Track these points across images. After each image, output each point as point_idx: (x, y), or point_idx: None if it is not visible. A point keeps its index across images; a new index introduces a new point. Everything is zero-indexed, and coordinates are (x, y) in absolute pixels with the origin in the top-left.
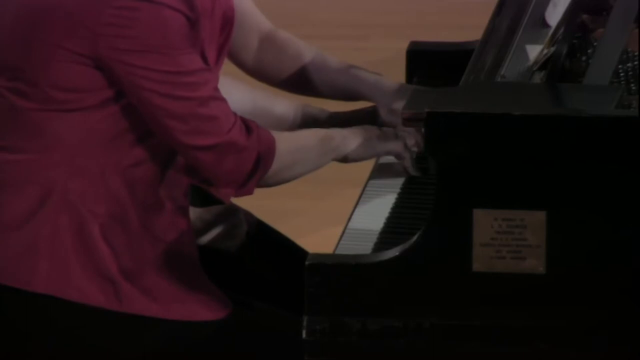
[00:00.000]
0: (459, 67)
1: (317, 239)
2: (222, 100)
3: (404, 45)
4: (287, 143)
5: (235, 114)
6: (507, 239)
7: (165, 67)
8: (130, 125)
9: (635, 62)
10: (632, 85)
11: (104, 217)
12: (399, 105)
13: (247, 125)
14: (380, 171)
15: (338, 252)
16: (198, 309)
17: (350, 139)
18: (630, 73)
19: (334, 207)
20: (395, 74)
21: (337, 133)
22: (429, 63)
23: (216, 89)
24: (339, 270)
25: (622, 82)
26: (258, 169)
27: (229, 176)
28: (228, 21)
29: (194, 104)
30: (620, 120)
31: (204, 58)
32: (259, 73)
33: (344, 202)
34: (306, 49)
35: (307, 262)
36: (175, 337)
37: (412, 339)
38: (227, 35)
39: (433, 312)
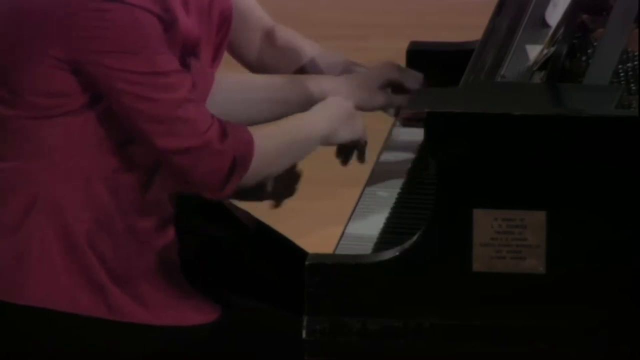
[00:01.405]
0: (459, 67)
1: (316, 239)
2: (198, 102)
3: (404, 45)
4: (266, 143)
5: (212, 116)
6: (507, 239)
7: (139, 67)
8: (112, 131)
9: (635, 62)
10: (632, 85)
11: (89, 222)
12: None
13: (224, 129)
14: (380, 171)
15: (338, 252)
16: (190, 313)
17: (315, 128)
18: (630, 73)
19: (332, 207)
20: None
21: (305, 126)
22: (429, 63)
23: (192, 91)
24: (339, 270)
25: (622, 82)
26: (235, 173)
27: (205, 179)
28: (225, 20)
29: (169, 105)
30: (620, 120)
31: (183, 61)
32: (260, 69)
33: (343, 202)
34: (308, 46)
35: (307, 262)
36: (175, 338)
37: (412, 339)
38: (224, 34)
39: (433, 312)
